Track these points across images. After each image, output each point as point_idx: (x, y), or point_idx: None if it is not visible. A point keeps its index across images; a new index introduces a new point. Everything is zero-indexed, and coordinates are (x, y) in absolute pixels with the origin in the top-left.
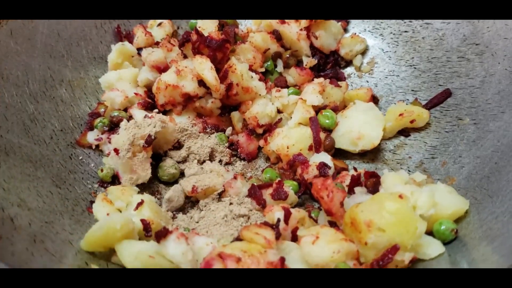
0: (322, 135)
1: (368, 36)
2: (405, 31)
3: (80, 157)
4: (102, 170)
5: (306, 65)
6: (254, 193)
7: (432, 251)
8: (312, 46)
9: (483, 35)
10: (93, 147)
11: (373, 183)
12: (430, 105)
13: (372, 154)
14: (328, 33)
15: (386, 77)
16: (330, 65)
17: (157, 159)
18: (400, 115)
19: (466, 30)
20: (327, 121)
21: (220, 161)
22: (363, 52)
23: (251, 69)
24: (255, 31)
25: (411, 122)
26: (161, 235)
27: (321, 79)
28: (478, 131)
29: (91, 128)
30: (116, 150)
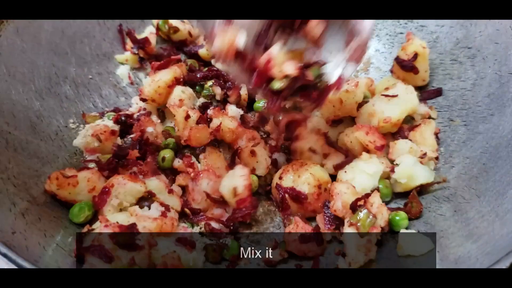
0: None
1: None
2: (401, 33)
3: (84, 154)
4: None
5: None
6: None
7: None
8: None
9: (475, 39)
10: None
11: None
12: (420, 99)
13: None
14: None
15: (381, 78)
16: None
17: None
18: (386, 88)
19: (459, 33)
20: None
21: None
22: None
23: None
24: None
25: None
26: None
27: None
28: (468, 132)
29: None
30: None
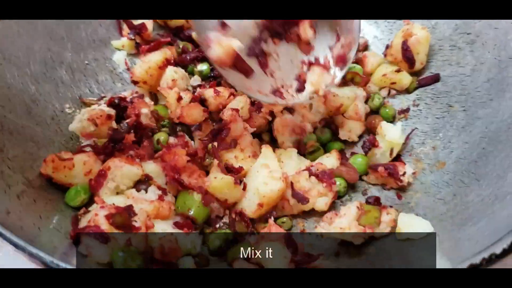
0: None
1: (363, 23)
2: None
3: (80, 139)
4: None
5: None
6: None
7: (421, 231)
8: None
9: (474, 25)
10: None
11: None
12: (417, 86)
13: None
14: None
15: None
16: None
17: None
18: (384, 75)
19: (458, 19)
20: None
21: None
22: None
23: None
24: None
25: (392, 83)
26: None
27: None
28: (467, 117)
29: None
30: None
